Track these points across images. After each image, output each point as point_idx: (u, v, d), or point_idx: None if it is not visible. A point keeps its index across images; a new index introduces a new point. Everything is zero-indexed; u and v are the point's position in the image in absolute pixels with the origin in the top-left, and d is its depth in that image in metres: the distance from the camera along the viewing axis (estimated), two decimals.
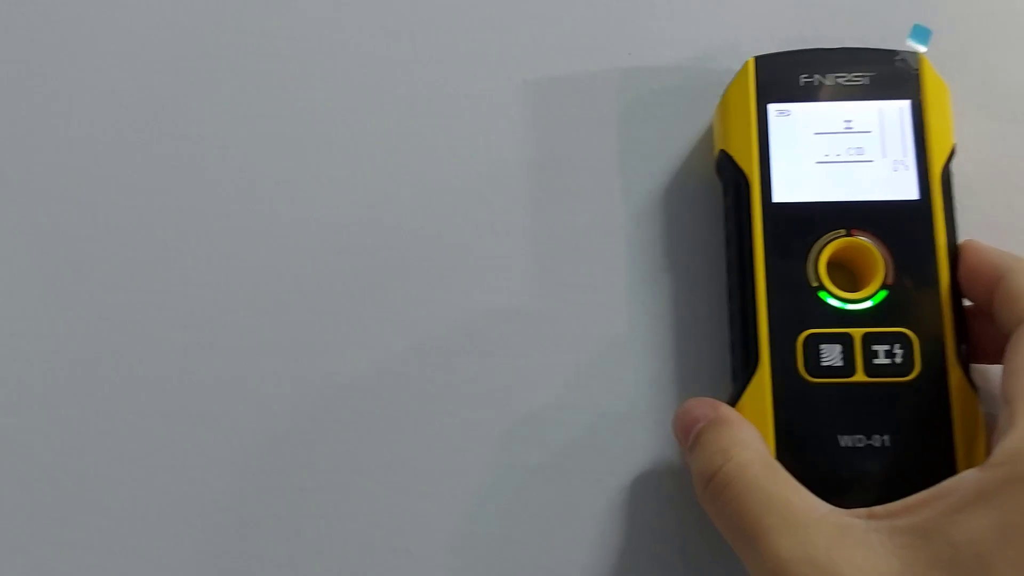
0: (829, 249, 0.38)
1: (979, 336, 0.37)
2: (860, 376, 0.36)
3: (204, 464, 0.42)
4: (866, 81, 0.39)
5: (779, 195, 0.38)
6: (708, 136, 0.43)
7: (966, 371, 0.36)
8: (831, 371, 0.36)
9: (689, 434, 0.37)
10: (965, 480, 0.31)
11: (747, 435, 0.35)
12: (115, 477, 0.42)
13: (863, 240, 0.37)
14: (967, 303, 0.37)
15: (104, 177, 0.45)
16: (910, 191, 0.38)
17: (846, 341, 0.37)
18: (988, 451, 0.33)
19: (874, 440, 0.36)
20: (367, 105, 0.45)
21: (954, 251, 0.37)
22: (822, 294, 0.37)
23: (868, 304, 0.37)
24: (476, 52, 0.45)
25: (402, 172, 0.44)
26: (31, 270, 0.44)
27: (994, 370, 0.38)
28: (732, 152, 0.39)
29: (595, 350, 0.41)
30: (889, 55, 0.39)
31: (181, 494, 0.41)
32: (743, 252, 0.38)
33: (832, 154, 0.39)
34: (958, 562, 0.29)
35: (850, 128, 0.39)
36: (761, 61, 0.40)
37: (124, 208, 0.45)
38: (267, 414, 0.42)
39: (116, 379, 0.43)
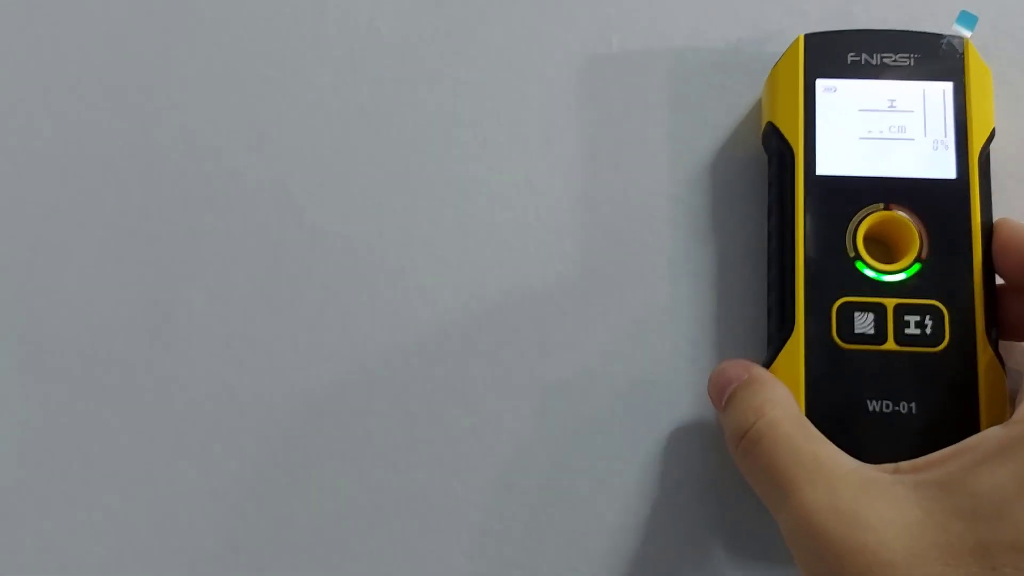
0: (868, 222, 0.39)
1: (1009, 313, 0.38)
2: (891, 344, 0.38)
3: (227, 447, 0.43)
4: (911, 63, 0.40)
5: (822, 168, 0.40)
6: (756, 111, 0.44)
7: (994, 346, 0.37)
8: (863, 338, 0.38)
9: (723, 394, 0.38)
10: (988, 436, 0.32)
11: (779, 394, 0.37)
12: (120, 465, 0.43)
13: (900, 215, 0.39)
14: (999, 281, 0.39)
15: (103, 165, 0.46)
16: (948, 170, 0.39)
17: (879, 310, 0.38)
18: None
19: (901, 407, 0.37)
20: (415, 79, 0.46)
21: (989, 230, 0.39)
22: (859, 264, 0.39)
23: (902, 276, 0.38)
24: (531, 27, 0.46)
25: (453, 140, 0.45)
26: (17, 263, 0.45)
27: (1022, 348, 0.39)
28: (779, 124, 0.41)
29: (637, 316, 0.43)
30: (935, 39, 0.41)
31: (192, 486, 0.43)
32: (784, 221, 0.40)
33: (875, 131, 0.40)
34: (979, 511, 0.30)
35: (894, 107, 0.40)
36: (811, 38, 0.41)
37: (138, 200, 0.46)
38: (293, 394, 0.43)
39: (123, 372, 0.44)
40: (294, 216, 0.45)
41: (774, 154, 0.41)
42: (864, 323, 0.38)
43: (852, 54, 0.41)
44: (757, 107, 0.44)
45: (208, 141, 0.46)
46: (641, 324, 0.43)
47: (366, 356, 0.43)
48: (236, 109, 0.46)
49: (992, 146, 0.40)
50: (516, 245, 0.44)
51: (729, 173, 0.44)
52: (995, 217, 0.39)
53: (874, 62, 0.41)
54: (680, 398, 0.42)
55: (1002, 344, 0.39)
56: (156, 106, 0.46)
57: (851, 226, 0.39)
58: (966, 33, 0.40)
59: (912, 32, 0.41)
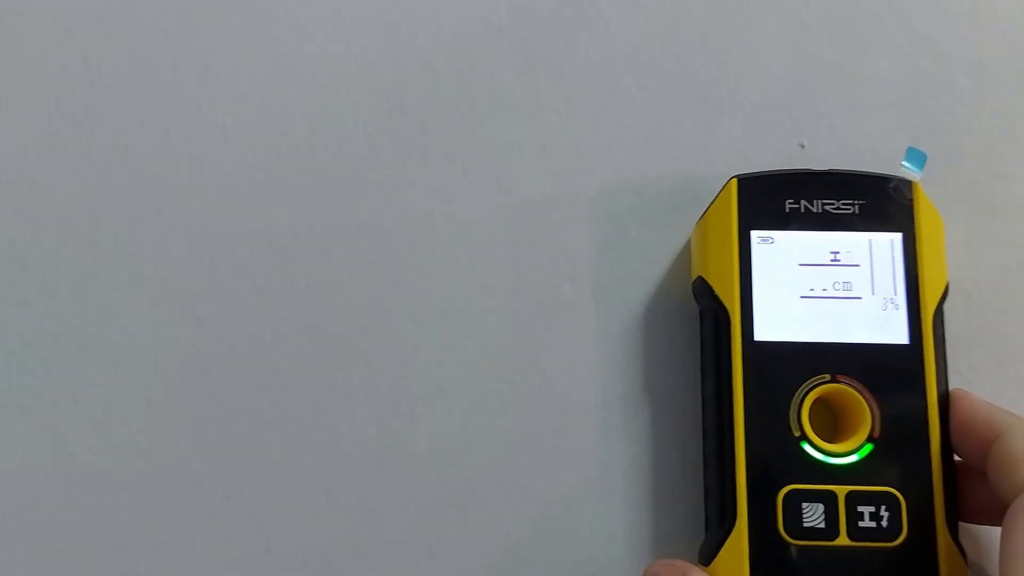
0: (813, 395, 0.35)
1: (970, 496, 0.35)
2: (843, 540, 0.34)
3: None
4: (855, 210, 0.36)
5: (761, 333, 0.35)
6: (685, 256, 0.40)
7: (955, 536, 0.34)
8: (813, 533, 0.34)
9: None
10: None
11: None
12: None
13: (849, 388, 0.35)
14: (956, 458, 0.35)
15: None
16: (900, 334, 0.35)
17: (829, 500, 0.34)
18: None
19: None
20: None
21: (945, 402, 0.35)
22: (804, 445, 0.34)
23: (853, 459, 0.34)
24: (453, 172, 0.42)
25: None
26: None
27: (984, 534, 0.36)
28: (711, 281, 0.36)
29: (565, 493, 0.39)
30: (881, 182, 0.37)
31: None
32: (721, 393, 0.35)
33: (818, 288, 0.36)
34: None
35: (837, 260, 0.36)
36: (744, 182, 0.37)
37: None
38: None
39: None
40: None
41: (708, 312, 0.37)
42: (813, 516, 0.34)
43: (790, 201, 0.37)
44: (686, 252, 0.40)
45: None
46: (569, 503, 0.38)
47: None
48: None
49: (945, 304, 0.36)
50: (435, 412, 0.40)
51: (661, 325, 0.39)
52: (951, 385, 0.35)
53: (815, 210, 0.37)
54: None
55: (963, 528, 0.35)
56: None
57: (795, 401, 0.35)
58: (915, 175, 0.37)
59: (856, 174, 0.37)
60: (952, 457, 0.35)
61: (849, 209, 0.36)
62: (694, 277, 0.38)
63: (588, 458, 0.38)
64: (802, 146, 0.41)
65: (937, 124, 0.41)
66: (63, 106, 0.43)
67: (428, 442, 0.39)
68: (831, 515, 0.34)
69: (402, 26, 0.43)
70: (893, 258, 0.36)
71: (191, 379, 0.40)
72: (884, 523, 0.34)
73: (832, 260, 0.36)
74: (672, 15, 0.43)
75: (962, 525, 0.35)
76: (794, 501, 0.34)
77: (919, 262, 0.36)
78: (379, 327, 0.40)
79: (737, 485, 0.34)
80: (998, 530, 0.35)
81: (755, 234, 0.36)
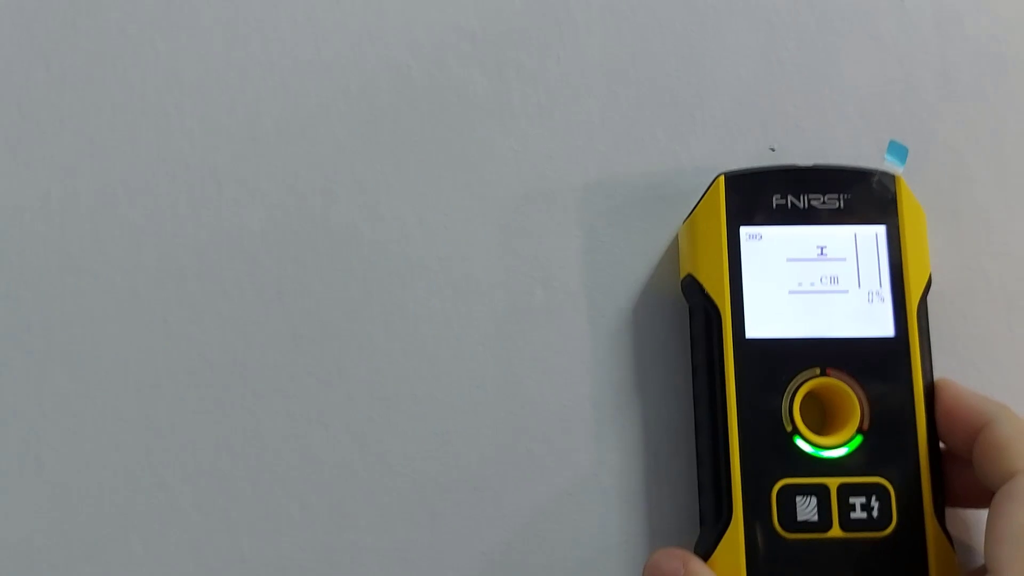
0: (804, 390, 0.35)
1: (955, 481, 0.36)
2: (836, 531, 0.34)
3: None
4: (840, 204, 0.37)
5: (752, 330, 0.36)
6: (673, 252, 0.40)
7: (942, 523, 0.35)
8: (807, 526, 0.34)
9: None
10: None
11: None
12: None
13: (838, 382, 0.35)
14: (942, 445, 0.36)
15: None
16: (886, 327, 0.36)
17: (822, 493, 0.35)
18: None
19: None
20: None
21: (931, 392, 0.36)
22: (796, 438, 0.35)
23: (844, 451, 0.35)
24: (445, 169, 0.41)
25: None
26: None
27: (970, 517, 0.37)
28: (701, 279, 0.37)
29: (561, 491, 0.39)
30: (865, 176, 0.37)
31: None
32: (714, 390, 0.36)
33: (806, 283, 0.36)
34: None
35: (824, 255, 0.37)
36: (731, 180, 0.37)
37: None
38: None
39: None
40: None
41: (698, 309, 0.37)
42: (807, 508, 0.35)
43: (777, 196, 0.37)
44: (674, 248, 0.40)
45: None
46: (564, 500, 0.38)
47: None
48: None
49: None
50: (429, 409, 0.40)
51: (650, 322, 0.40)
52: (936, 375, 0.36)
53: (801, 205, 0.37)
54: None
55: (950, 512, 0.36)
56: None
57: (786, 396, 0.35)
58: (898, 168, 0.37)
59: (840, 168, 0.37)
60: (938, 445, 0.35)
61: (834, 203, 0.37)
62: (683, 275, 0.38)
63: (581, 458, 0.39)
64: (773, 149, 0.41)
65: (903, 128, 0.42)
66: (25, 108, 0.42)
67: (406, 448, 0.39)
68: (824, 508, 0.35)
69: (374, 31, 0.43)
70: (878, 251, 0.37)
71: (162, 388, 0.40)
72: (875, 513, 0.35)
73: (819, 254, 0.37)
74: (643, 20, 0.43)
75: (949, 509, 0.36)
76: (788, 495, 0.35)
77: (903, 254, 0.36)
78: (352, 333, 0.40)
79: (732, 481, 0.35)
80: (983, 512, 0.36)
81: (744, 230, 0.37)
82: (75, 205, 0.41)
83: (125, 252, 0.41)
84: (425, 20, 0.43)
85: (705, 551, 0.35)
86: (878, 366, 0.36)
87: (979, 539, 0.37)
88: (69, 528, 0.39)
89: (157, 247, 0.41)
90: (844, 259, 0.37)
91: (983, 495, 0.35)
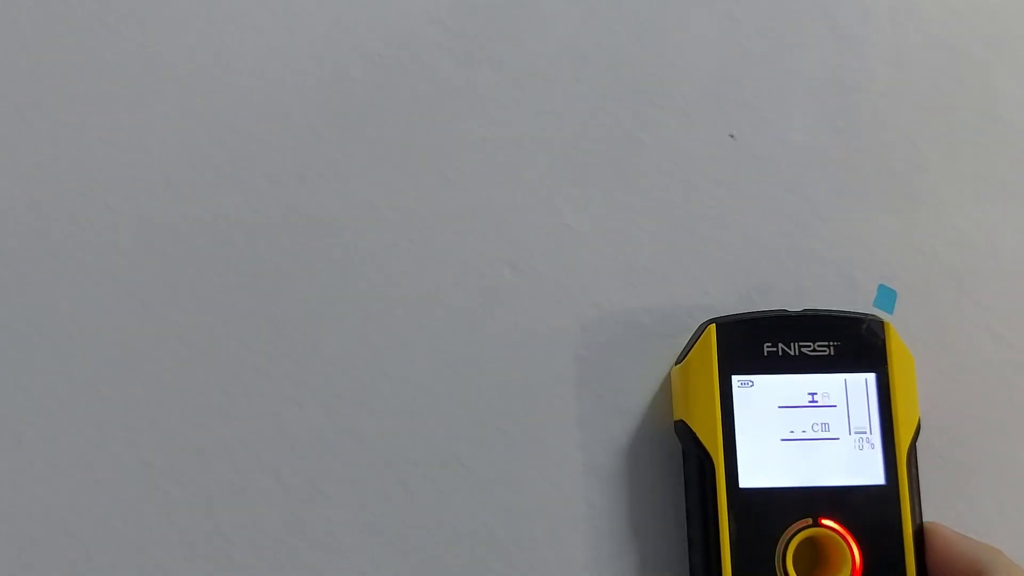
0: (797, 540, 0.36)
1: None
2: None
3: None
4: (831, 352, 0.37)
5: (745, 479, 0.36)
6: (664, 394, 0.40)
7: None
8: None
9: None
10: None
11: None
12: None
13: (830, 532, 0.36)
14: None
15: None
16: (876, 474, 0.37)
17: None
18: None
19: None
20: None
21: (920, 536, 0.36)
22: None
23: None
24: (416, 155, 0.43)
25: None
26: None
27: None
28: (694, 426, 0.37)
29: None
30: (855, 323, 0.38)
31: None
32: (708, 538, 0.36)
33: (797, 430, 0.37)
34: None
35: (815, 402, 0.37)
36: (723, 327, 0.37)
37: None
38: None
39: None
40: None
41: (691, 455, 0.38)
42: None
43: (768, 344, 0.37)
44: (665, 390, 0.40)
45: None
46: None
47: None
48: None
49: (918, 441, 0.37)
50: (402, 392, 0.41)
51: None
52: (926, 518, 0.37)
53: (792, 352, 0.37)
54: None
55: None
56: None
57: (780, 547, 0.36)
58: (887, 314, 0.38)
59: (830, 315, 0.38)
60: None
61: (825, 351, 0.38)
62: (676, 418, 0.39)
63: None
64: (732, 136, 0.42)
65: (859, 117, 0.43)
66: (2, 93, 0.43)
67: (379, 425, 0.40)
68: None
69: (347, 20, 0.44)
70: (868, 397, 0.37)
71: (140, 366, 0.41)
72: None
73: (810, 401, 0.37)
74: (609, 11, 0.44)
75: None
76: None
77: (893, 400, 0.37)
78: (326, 314, 0.41)
79: None
80: None
81: (736, 378, 0.37)
82: (53, 188, 0.42)
83: (102, 234, 0.42)
84: (397, 10, 0.44)
85: None
86: (869, 514, 0.36)
87: None
88: (49, 503, 0.40)
89: (135, 230, 0.42)
90: (835, 406, 0.37)
91: None
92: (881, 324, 0.38)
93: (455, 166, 0.43)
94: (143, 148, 0.43)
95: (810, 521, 0.36)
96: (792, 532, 0.36)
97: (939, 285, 0.41)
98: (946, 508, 0.39)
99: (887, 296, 0.38)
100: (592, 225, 0.42)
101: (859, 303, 0.41)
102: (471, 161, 0.43)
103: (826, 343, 0.38)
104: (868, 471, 0.37)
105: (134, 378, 0.41)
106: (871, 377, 0.37)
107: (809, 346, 0.38)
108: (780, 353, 0.38)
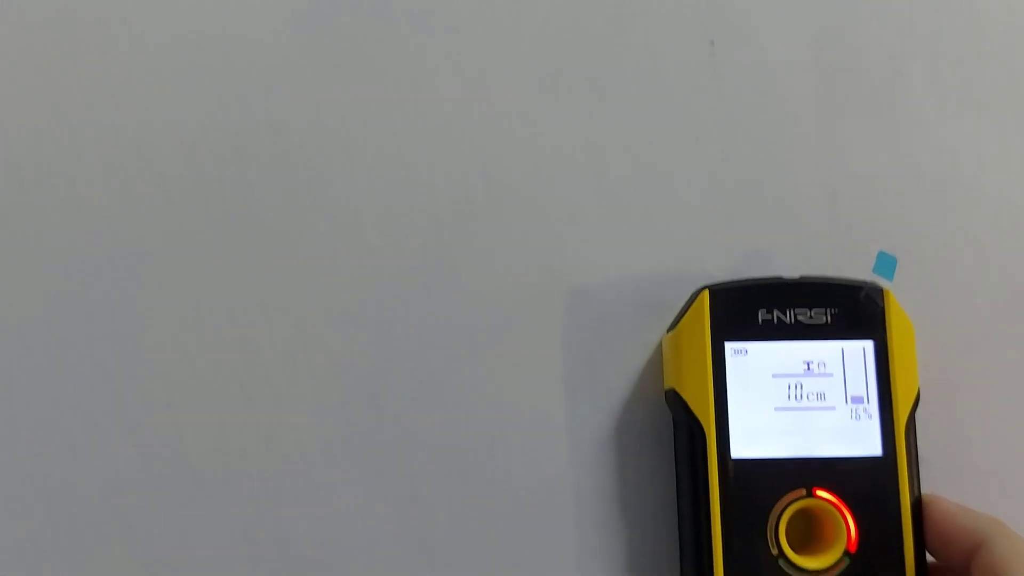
0: (790, 511, 0.35)
1: None
2: None
3: None
4: (828, 319, 0.36)
5: (737, 450, 0.35)
6: (655, 365, 0.39)
7: None
8: None
9: None
10: None
11: None
12: None
13: (825, 503, 0.35)
14: (930, 559, 0.36)
15: None
16: (873, 445, 0.35)
17: None
18: None
19: None
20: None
21: (918, 509, 0.35)
22: (782, 563, 0.35)
23: (831, 575, 0.35)
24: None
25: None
26: None
27: None
28: (685, 395, 0.36)
29: None
30: (853, 289, 0.36)
31: None
32: (698, 510, 0.35)
33: (792, 399, 0.36)
34: None
35: (811, 371, 0.36)
36: (716, 293, 0.36)
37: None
38: None
39: None
40: None
41: (682, 424, 0.37)
42: None
43: (763, 311, 0.36)
44: (656, 360, 0.39)
45: None
46: None
47: None
48: None
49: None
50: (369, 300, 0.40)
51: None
52: (923, 491, 0.36)
53: (787, 320, 0.36)
54: None
55: None
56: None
57: (772, 518, 0.35)
58: (886, 281, 0.37)
59: (827, 282, 0.37)
60: (925, 566, 0.35)
61: (822, 318, 0.36)
62: (667, 387, 0.38)
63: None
64: (712, 43, 0.41)
65: (840, 26, 0.42)
66: None
67: (344, 331, 0.40)
68: None
69: None
70: (865, 366, 0.36)
71: (104, 269, 0.40)
72: None
73: (805, 370, 0.36)
74: None
75: None
76: None
77: (891, 370, 0.36)
78: (291, 220, 0.40)
79: None
80: None
81: (729, 345, 0.36)
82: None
83: (67, 150, 0.41)
84: None
85: None
86: (865, 486, 0.35)
87: None
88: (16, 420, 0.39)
89: (99, 143, 0.41)
90: (831, 375, 0.36)
91: None
92: (880, 291, 0.36)
93: (425, 69, 0.41)
94: (108, 60, 0.41)
95: (804, 492, 0.35)
96: (785, 503, 0.35)
97: (922, 199, 0.40)
98: (945, 480, 0.38)
99: (887, 263, 0.37)
100: (567, 138, 0.41)
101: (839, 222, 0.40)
102: (444, 74, 0.41)
103: (823, 310, 0.36)
104: (865, 442, 0.35)
105: (94, 280, 0.40)
106: (869, 345, 0.36)
107: (806, 313, 0.36)
108: (775, 320, 0.36)
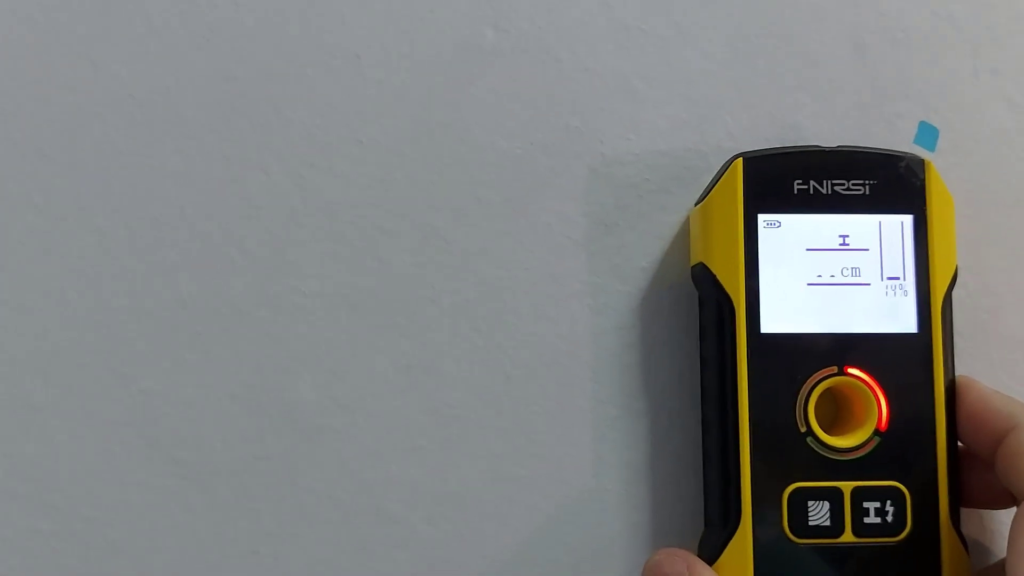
0: (820, 388, 0.34)
1: (972, 482, 0.34)
2: (848, 536, 0.33)
3: None
4: (866, 191, 0.34)
5: (767, 324, 0.34)
6: (683, 238, 0.37)
7: (957, 528, 0.33)
8: (818, 531, 0.33)
9: None
10: None
11: None
12: None
13: (857, 381, 0.34)
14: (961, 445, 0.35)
15: None
16: (909, 323, 0.34)
17: (835, 497, 0.33)
18: None
19: None
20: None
21: (952, 391, 0.34)
22: (810, 440, 0.34)
23: (860, 453, 0.33)
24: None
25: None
26: None
27: (987, 517, 0.36)
28: (714, 268, 0.34)
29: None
30: (892, 160, 0.35)
31: None
32: (724, 386, 0.34)
33: (825, 275, 0.34)
34: None
35: (846, 244, 0.35)
36: (750, 162, 0.34)
37: None
38: None
39: None
40: None
41: (709, 300, 0.35)
42: (819, 514, 0.33)
43: (799, 181, 0.34)
44: (683, 233, 0.38)
45: None
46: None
47: None
48: None
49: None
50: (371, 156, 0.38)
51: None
52: (957, 372, 0.35)
53: (824, 191, 0.34)
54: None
55: (965, 513, 0.35)
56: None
57: (802, 395, 0.34)
58: (927, 152, 0.35)
59: (866, 152, 0.35)
60: (956, 448, 0.34)
61: (859, 190, 0.35)
62: (693, 263, 0.36)
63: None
64: None
65: None
66: None
67: (347, 194, 0.38)
68: (836, 512, 0.33)
69: None
70: (903, 241, 0.34)
71: (84, 140, 0.38)
72: (889, 518, 0.33)
73: (841, 244, 0.35)
74: None
75: (963, 509, 0.35)
76: (800, 499, 0.33)
77: (930, 246, 0.34)
78: (292, 73, 0.38)
79: (741, 483, 0.33)
80: (1000, 513, 0.35)
81: (762, 217, 0.34)
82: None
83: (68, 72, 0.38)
84: None
85: (710, 554, 0.34)
86: (899, 365, 0.34)
87: (992, 538, 0.36)
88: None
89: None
90: (867, 249, 0.34)
91: (1001, 497, 0.34)
92: (921, 163, 0.35)
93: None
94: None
95: (835, 369, 0.34)
96: (815, 380, 0.34)
97: (953, 50, 0.38)
98: (980, 364, 0.37)
99: (928, 133, 0.35)
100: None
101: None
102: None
103: (861, 181, 0.35)
104: (900, 319, 0.34)
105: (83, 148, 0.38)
106: (908, 219, 0.34)
107: (843, 184, 0.35)
108: (811, 191, 0.34)
